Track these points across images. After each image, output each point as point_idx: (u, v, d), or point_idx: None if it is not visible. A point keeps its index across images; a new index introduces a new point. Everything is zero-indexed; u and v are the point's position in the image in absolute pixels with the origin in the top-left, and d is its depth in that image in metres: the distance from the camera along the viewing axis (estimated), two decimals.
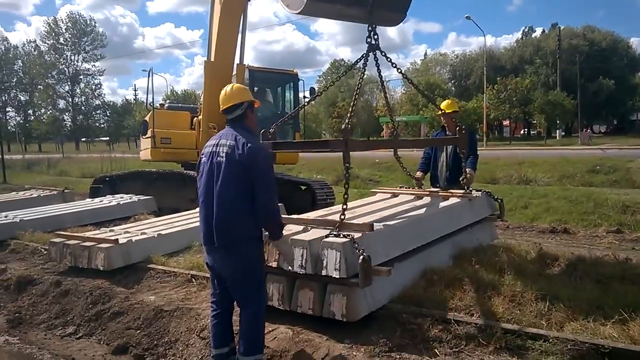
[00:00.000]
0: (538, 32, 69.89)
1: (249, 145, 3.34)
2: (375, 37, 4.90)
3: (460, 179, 5.76)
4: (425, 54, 72.00)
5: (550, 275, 4.54)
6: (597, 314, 3.70)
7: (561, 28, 54.79)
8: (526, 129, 65.80)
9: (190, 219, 6.97)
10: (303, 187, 11.27)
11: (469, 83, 61.13)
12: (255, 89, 11.15)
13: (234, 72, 10.87)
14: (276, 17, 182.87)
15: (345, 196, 4.26)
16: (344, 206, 4.23)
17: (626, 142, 40.66)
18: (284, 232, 4.20)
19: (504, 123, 63.16)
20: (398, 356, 3.43)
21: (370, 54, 4.90)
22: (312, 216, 4.83)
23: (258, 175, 3.32)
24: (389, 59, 5.07)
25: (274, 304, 4.16)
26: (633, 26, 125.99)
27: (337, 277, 3.75)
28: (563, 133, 49.76)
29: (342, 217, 4.13)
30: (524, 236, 8.96)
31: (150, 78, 10.96)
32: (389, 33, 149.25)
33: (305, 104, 6.35)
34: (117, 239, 5.63)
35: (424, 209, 5.17)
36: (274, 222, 3.49)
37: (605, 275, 4.45)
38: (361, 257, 3.66)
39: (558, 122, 47.86)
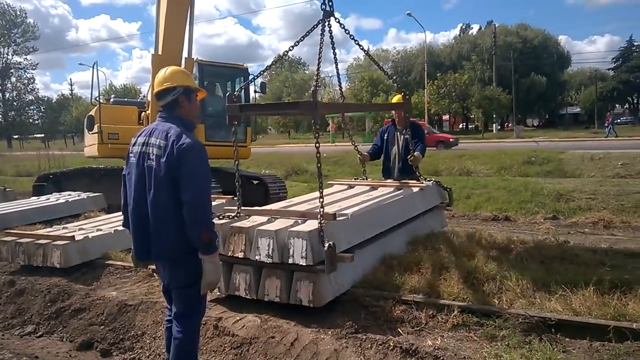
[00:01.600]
0: (475, 29, 72.33)
1: (179, 143, 2.89)
2: (330, 3, 4.98)
3: (408, 157, 6.12)
4: (368, 50, 73.03)
5: (498, 257, 4.85)
6: (543, 291, 4.03)
7: (496, 26, 57.02)
8: (464, 123, 68.09)
9: None
10: (255, 182, 11.34)
11: (410, 79, 62.56)
12: (205, 83, 11.10)
13: (182, 66, 10.79)
14: (217, 10, 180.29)
15: (319, 164, 4.37)
16: (321, 191, 4.30)
17: (557, 135, 43.00)
18: (249, 223, 4.32)
19: (443, 117, 65.13)
20: (364, 337, 3.60)
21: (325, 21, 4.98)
22: (275, 207, 4.95)
23: (184, 170, 2.86)
24: (342, 26, 5.19)
25: (241, 294, 4.26)
26: (560, 24, 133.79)
27: (304, 264, 3.89)
28: (499, 127, 51.94)
29: (321, 200, 4.21)
30: (469, 224, 9.40)
31: (96, 72, 10.68)
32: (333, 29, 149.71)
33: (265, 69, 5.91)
34: (73, 236, 5.54)
35: (381, 198, 5.39)
36: (199, 230, 2.88)
37: (547, 256, 4.82)
38: (327, 244, 3.83)
39: (494, 116, 49.85)
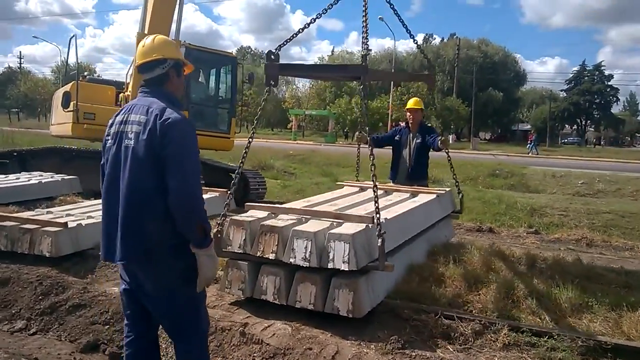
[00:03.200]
0: (437, 39, 73.79)
1: (164, 117, 2.46)
2: None
3: (440, 138, 6.05)
4: (333, 51, 73.05)
5: (526, 274, 4.72)
6: (584, 311, 3.91)
7: (460, 39, 58.23)
8: None
9: None
10: (232, 174, 10.92)
11: (373, 83, 62.98)
12: None
13: None
14: None
15: (372, 155, 4.02)
16: (375, 188, 3.95)
17: (509, 149, 44.48)
18: (282, 222, 3.97)
19: (401, 124, 65.99)
20: (413, 353, 3.36)
21: None
22: (299, 207, 4.61)
23: (170, 150, 2.42)
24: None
25: (268, 298, 3.91)
26: (514, 43, 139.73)
27: (346, 269, 3.61)
28: (456, 138, 53.08)
29: (376, 195, 3.90)
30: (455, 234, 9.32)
31: (74, 46, 9.99)
32: (294, 26, 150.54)
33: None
34: (66, 223, 5.01)
35: (402, 203, 5.16)
36: (193, 221, 2.47)
37: (573, 274, 4.69)
38: (380, 239, 3.60)
39: (452, 126, 50.90)
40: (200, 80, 11.11)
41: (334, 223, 4.04)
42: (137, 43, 9.81)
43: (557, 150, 52.20)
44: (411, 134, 6.46)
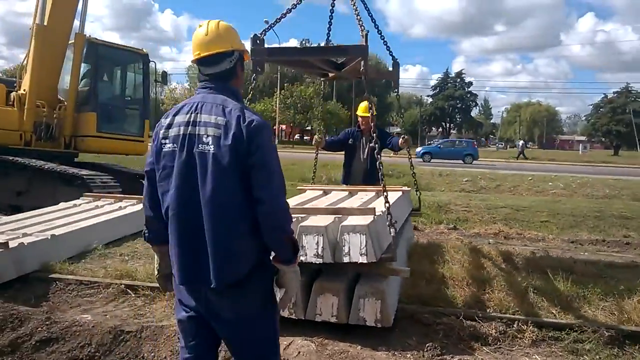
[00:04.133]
0: (314, 45, 75.40)
1: (249, 119, 2.09)
2: None
3: (403, 136, 5.85)
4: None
5: (510, 269, 4.84)
6: (581, 302, 4.07)
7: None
8: (300, 135, 70.37)
9: (71, 215, 5.58)
10: (143, 180, 10.10)
11: (254, 87, 62.55)
12: (97, 66, 9.61)
13: (71, 41, 9.29)
14: None
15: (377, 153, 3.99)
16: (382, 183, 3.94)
17: (384, 152, 46.90)
18: None
19: (282, 127, 66.53)
20: (454, 359, 3.25)
21: None
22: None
23: (258, 159, 2.07)
24: None
25: (284, 314, 3.56)
26: (380, 51, 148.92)
27: (365, 262, 3.42)
28: None
29: (386, 194, 3.85)
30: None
31: None
32: (162, 25, 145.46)
33: None
34: (7, 243, 4.17)
35: (376, 201, 5.02)
36: (283, 236, 2.15)
37: (550, 267, 4.85)
38: (393, 229, 3.51)
39: (335, 130, 52.35)
40: (105, 79, 10.11)
41: (336, 218, 3.81)
42: (35, 36, 8.72)
43: None
44: (364, 137, 6.35)
